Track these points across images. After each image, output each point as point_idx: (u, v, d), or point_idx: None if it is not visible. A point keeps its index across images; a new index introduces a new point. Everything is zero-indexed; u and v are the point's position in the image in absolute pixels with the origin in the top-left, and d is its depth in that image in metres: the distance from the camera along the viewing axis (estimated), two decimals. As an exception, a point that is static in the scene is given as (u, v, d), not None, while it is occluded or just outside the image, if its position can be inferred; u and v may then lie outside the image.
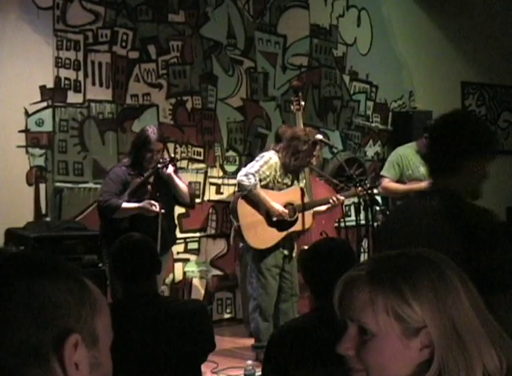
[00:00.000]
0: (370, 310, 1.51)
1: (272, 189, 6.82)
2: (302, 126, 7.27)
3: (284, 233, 6.85)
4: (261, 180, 6.72)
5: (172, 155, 6.78)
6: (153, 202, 6.29)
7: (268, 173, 6.76)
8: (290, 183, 6.91)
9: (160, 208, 6.28)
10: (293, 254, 6.99)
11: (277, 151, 6.86)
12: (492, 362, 1.48)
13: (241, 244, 7.15)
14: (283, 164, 6.80)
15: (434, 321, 1.49)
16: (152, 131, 6.50)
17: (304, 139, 6.74)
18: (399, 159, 7.52)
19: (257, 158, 6.93)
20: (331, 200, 6.97)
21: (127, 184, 6.44)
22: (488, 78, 10.85)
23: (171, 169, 6.52)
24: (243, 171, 6.81)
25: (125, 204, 6.33)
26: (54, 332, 1.27)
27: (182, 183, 6.66)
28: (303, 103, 7.51)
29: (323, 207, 7.09)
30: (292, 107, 7.57)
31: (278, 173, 6.82)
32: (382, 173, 7.64)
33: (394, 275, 1.52)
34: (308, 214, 6.99)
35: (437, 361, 1.48)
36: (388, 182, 7.48)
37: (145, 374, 3.62)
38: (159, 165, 6.44)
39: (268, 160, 6.80)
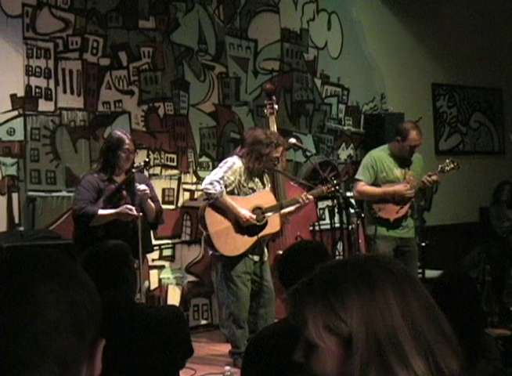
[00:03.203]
0: (308, 323, 1.54)
1: (238, 194, 6.79)
2: (276, 130, 7.26)
3: (255, 238, 6.83)
4: (226, 186, 6.69)
5: (146, 159, 6.75)
6: (130, 207, 6.27)
7: (232, 178, 6.73)
8: (255, 187, 6.88)
9: (138, 212, 6.26)
10: (265, 259, 6.96)
11: (240, 156, 6.83)
12: (419, 371, 1.48)
13: (210, 252, 7.12)
14: (248, 169, 6.78)
15: (358, 332, 1.49)
16: (123, 133, 6.56)
17: (266, 142, 6.71)
18: (373, 162, 7.52)
19: (220, 164, 6.90)
20: (300, 199, 6.93)
21: (100, 191, 6.39)
22: (459, 80, 10.92)
23: (143, 187, 6.46)
24: (208, 179, 6.77)
25: (102, 211, 6.29)
26: (89, 340, 1.29)
27: (151, 202, 6.62)
28: (276, 107, 7.50)
29: (292, 208, 7.06)
30: (265, 111, 7.57)
31: (242, 178, 6.79)
32: (357, 177, 7.63)
33: (326, 287, 1.54)
34: (275, 217, 6.96)
35: (357, 372, 1.48)
36: (363, 186, 7.48)
37: (123, 382, 3.59)
38: (133, 170, 6.42)
39: (232, 165, 6.77)
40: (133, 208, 6.27)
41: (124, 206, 6.29)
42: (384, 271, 1.58)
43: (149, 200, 6.55)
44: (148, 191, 6.47)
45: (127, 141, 6.44)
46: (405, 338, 1.49)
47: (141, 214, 6.30)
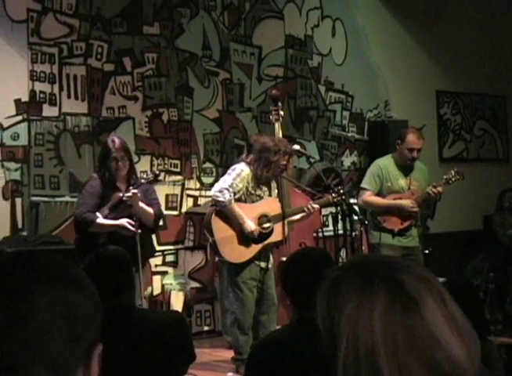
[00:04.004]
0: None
1: (245, 201, 6.77)
2: (281, 136, 7.24)
3: (260, 246, 6.81)
4: (234, 193, 6.67)
5: (156, 172, 6.70)
6: (131, 221, 6.21)
7: (241, 186, 6.70)
8: (262, 194, 6.86)
9: (137, 228, 6.19)
10: (270, 266, 6.94)
11: (248, 163, 6.80)
12: None
13: (217, 258, 7.10)
14: (255, 176, 6.75)
15: (342, 337, 1.45)
16: (111, 141, 6.41)
17: (274, 150, 6.67)
18: (379, 171, 7.47)
19: (228, 171, 6.86)
20: (306, 209, 6.93)
21: (103, 197, 6.35)
22: (463, 87, 10.91)
23: (129, 194, 6.29)
24: (217, 186, 6.72)
25: (101, 220, 6.23)
26: (85, 344, 1.27)
27: (146, 207, 6.45)
28: (282, 113, 7.46)
29: (297, 216, 7.05)
30: (271, 117, 7.53)
31: (250, 185, 6.76)
32: (363, 185, 7.56)
33: (330, 284, 1.52)
34: (280, 225, 6.95)
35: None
36: (369, 196, 7.41)
37: (125, 388, 3.58)
38: (143, 181, 6.37)
39: (240, 172, 6.74)
40: (133, 223, 6.21)
41: (125, 220, 6.24)
42: (384, 283, 1.51)
43: (144, 205, 6.45)
44: (135, 193, 6.31)
45: (113, 150, 6.31)
46: (379, 356, 1.44)
47: (139, 231, 6.23)
